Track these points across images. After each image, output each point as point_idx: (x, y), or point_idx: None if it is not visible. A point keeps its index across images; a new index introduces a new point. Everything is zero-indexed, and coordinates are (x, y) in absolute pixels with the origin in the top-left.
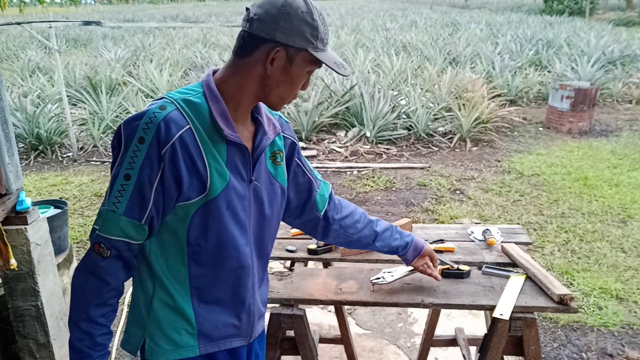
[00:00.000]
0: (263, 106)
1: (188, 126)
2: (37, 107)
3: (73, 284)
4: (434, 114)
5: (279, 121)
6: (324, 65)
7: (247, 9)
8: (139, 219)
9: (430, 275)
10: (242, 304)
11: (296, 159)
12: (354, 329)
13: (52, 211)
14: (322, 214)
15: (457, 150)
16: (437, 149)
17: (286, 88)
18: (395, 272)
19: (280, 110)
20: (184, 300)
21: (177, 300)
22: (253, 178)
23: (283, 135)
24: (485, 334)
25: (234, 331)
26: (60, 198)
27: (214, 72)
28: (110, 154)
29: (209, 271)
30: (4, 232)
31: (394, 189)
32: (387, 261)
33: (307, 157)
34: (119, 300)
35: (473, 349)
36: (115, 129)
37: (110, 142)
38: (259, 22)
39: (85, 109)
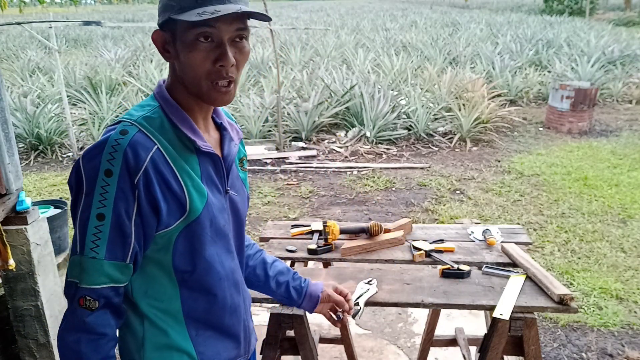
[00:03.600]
0: (222, 111)
1: (156, 146)
2: (37, 107)
3: (62, 349)
4: (434, 114)
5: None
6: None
7: None
8: (123, 259)
9: (334, 323)
10: (239, 322)
11: None
12: (354, 329)
13: (52, 211)
14: None
15: (457, 150)
16: (437, 149)
17: (191, 67)
18: (359, 297)
19: (225, 100)
20: (179, 334)
21: (172, 336)
22: (228, 188)
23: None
24: (485, 334)
25: (235, 353)
26: (60, 198)
27: (164, 82)
28: None
29: (203, 296)
30: (3, 233)
31: (394, 189)
32: (387, 261)
33: (307, 157)
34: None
35: (473, 349)
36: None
37: None
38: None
39: (85, 109)
